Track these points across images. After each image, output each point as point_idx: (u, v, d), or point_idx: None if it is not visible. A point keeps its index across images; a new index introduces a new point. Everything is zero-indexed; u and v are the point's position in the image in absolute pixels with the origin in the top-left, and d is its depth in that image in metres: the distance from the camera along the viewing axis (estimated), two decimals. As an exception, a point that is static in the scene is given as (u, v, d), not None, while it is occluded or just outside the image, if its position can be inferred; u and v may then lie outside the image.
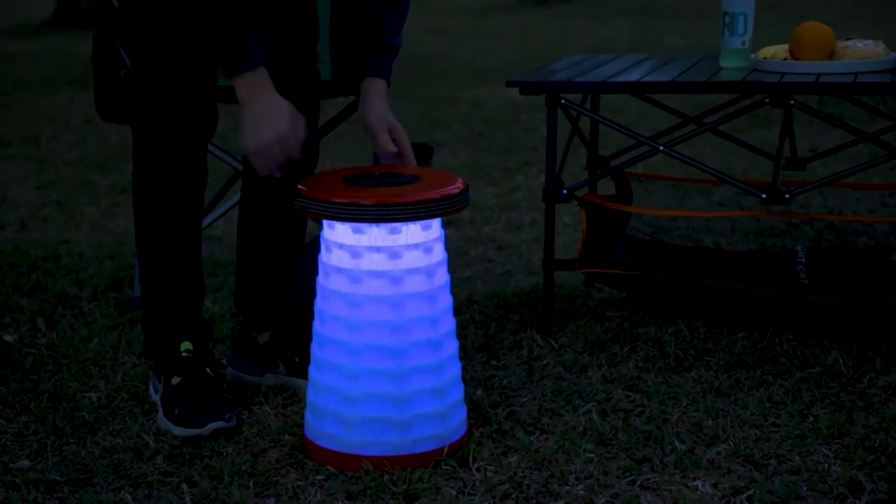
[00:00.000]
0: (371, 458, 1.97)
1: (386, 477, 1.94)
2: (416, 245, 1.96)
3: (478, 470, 1.98)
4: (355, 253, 1.96)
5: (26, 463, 2.03)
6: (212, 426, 2.10)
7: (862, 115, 4.83)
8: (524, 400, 2.28)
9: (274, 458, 2.04)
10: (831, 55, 2.61)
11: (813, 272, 2.80)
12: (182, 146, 2.14)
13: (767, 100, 2.51)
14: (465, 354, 2.50)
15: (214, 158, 2.73)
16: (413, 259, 1.96)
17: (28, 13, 12.63)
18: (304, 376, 2.29)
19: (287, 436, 2.12)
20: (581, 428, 2.13)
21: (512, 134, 5.35)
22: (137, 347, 2.55)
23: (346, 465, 1.99)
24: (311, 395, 2.05)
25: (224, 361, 2.42)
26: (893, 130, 2.79)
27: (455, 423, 2.05)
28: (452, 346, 2.05)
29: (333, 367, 2.00)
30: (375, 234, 1.94)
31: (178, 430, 2.11)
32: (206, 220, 2.90)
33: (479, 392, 2.31)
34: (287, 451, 2.07)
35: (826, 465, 1.97)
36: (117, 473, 1.99)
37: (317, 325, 2.04)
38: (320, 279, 2.03)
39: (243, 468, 1.99)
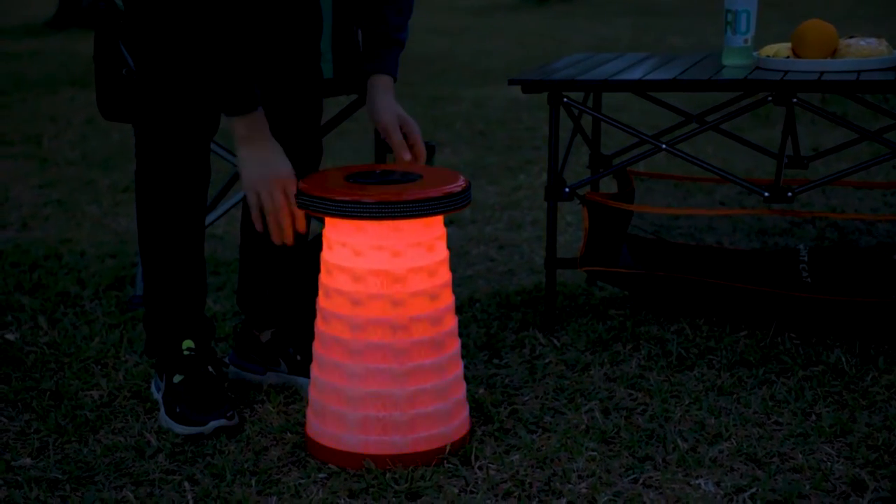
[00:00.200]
0: (373, 457, 1.97)
1: (388, 475, 1.94)
2: (418, 243, 1.96)
3: (480, 468, 1.98)
4: (357, 251, 1.95)
5: (28, 461, 2.03)
6: (214, 424, 2.09)
7: (864, 113, 4.82)
8: (526, 398, 2.27)
9: (276, 457, 2.04)
10: (834, 53, 2.61)
11: (815, 271, 2.80)
12: (184, 144, 2.13)
13: (770, 98, 2.51)
14: (467, 353, 2.49)
15: (216, 157, 2.73)
16: (415, 257, 1.96)
17: (30, 13, 12.64)
18: (306, 374, 2.29)
19: (289, 434, 2.12)
20: (583, 426, 2.13)
21: (514, 133, 5.35)
22: (139, 346, 2.55)
23: (347, 463, 1.99)
24: (313, 394, 2.05)
25: (226, 360, 2.42)
26: (896, 128, 2.79)
27: (457, 422, 2.04)
28: (454, 345, 2.05)
29: (335, 366, 2.00)
30: (377, 232, 1.94)
31: (180, 429, 2.11)
32: (208, 219, 2.90)
33: (481, 390, 2.31)
34: (289, 450, 2.06)
35: (829, 463, 1.97)
36: (119, 471, 1.99)
37: (319, 324, 2.04)
38: (322, 277, 2.03)
39: (245, 466, 1.99)
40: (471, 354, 2.51)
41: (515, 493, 1.89)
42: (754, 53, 2.70)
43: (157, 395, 2.23)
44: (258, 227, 2.07)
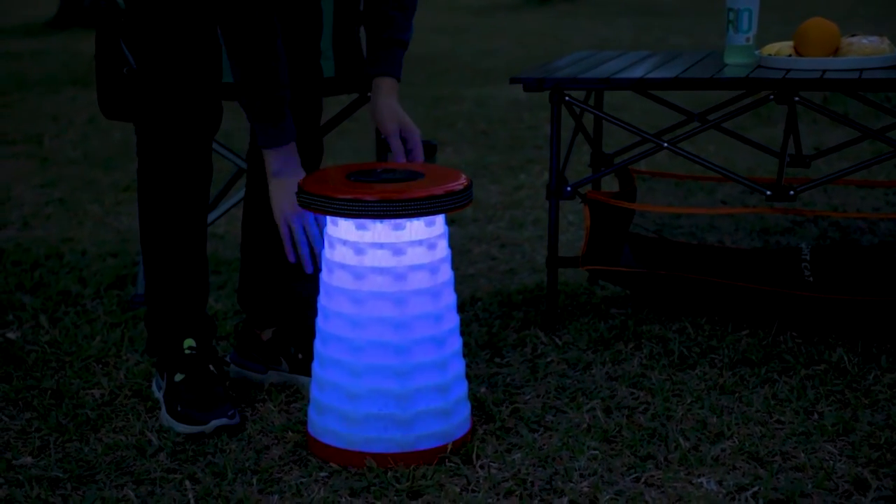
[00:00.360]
0: (374, 455, 1.97)
1: (389, 474, 1.94)
2: (420, 241, 1.96)
3: (481, 467, 1.97)
4: (359, 249, 1.95)
5: (29, 460, 2.03)
6: (215, 423, 2.09)
7: (867, 112, 4.82)
8: (528, 397, 2.27)
9: (277, 455, 2.04)
10: (836, 52, 2.60)
11: (817, 269, 2.79)
12: (186, 143, 2.13)
13: (772, 96, 2.50)
14: (468, 352, 2.49)
15: (217, 156, 2.73)
16: (417, 255, 1.96)
17: (31, 13, 12.64)
18: (308, 373, 2.29)
19: (290, 433, 2.12)
20: (585, 425, 2.12)
21: (515, 132, 5.35)
22: (140, 344, 2.55)
23: (349, 461, 1.98)
24: (315, 392, 2.05)
25: (227, 358, 2.42)
26: (898, 127, 2.79)
27: (458, 421, 2.04)
28: (456, 344, 2.05)
29: (337, 364, 1.99)
30: (379, 231, 1.93)
31: (181, 427, 2.11)
32: (210, 218, 2.90)
33: (483, 389, 2.31)
34: (290, 448, 2.06)
35: (831, 462, 1.96)
36: (120, 470, 1.99)
37: (320, 322, 2.04)
38: (324, 275, 2.02)
39: (246, 465, 1.99)
40: (472, 353, 2.50)
41: (517, 492, 1.89)
42: (756, 52, 2.70)
43: (159, 394, 2.23)
44: (291, 258, 2.08)
